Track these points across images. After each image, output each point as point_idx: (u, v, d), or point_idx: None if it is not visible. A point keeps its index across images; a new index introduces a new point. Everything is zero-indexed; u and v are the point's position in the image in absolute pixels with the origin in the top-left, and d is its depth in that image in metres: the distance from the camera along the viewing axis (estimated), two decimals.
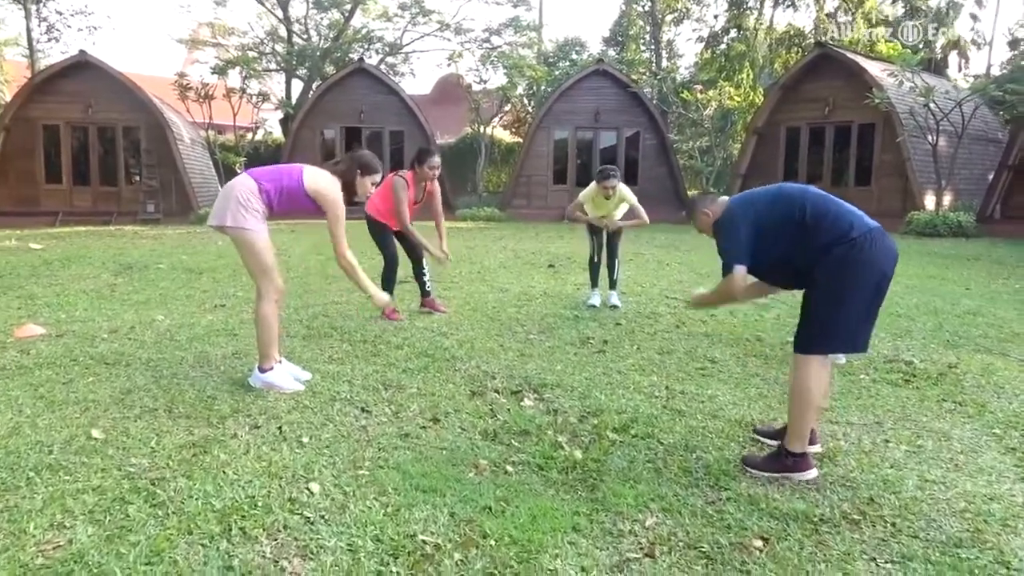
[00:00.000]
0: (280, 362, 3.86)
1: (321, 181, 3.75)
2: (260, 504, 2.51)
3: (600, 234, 6.41)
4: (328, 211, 3.75)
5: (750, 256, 2.91)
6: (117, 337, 4.87)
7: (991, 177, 15.33)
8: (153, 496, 2.54)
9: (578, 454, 3.05)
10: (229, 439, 3.09)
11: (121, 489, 2.59)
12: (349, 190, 3.88)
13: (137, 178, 17.83)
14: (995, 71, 25.86)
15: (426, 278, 5.84)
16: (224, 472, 2.75)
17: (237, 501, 2.52)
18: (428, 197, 5.75)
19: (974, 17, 29.00)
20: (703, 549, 2.32)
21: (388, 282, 5.66)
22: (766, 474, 2.89)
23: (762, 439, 3.23)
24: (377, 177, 4.00)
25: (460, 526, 2.42)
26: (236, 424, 3.28)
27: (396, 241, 5.72)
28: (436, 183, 5.74)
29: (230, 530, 2.33)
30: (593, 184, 6.08)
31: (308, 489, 2.64)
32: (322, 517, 2.44)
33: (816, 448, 3.10)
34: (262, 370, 3.79)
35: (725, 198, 3.14)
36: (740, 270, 2.91)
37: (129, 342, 4.74)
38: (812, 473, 2.88)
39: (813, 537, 2.41)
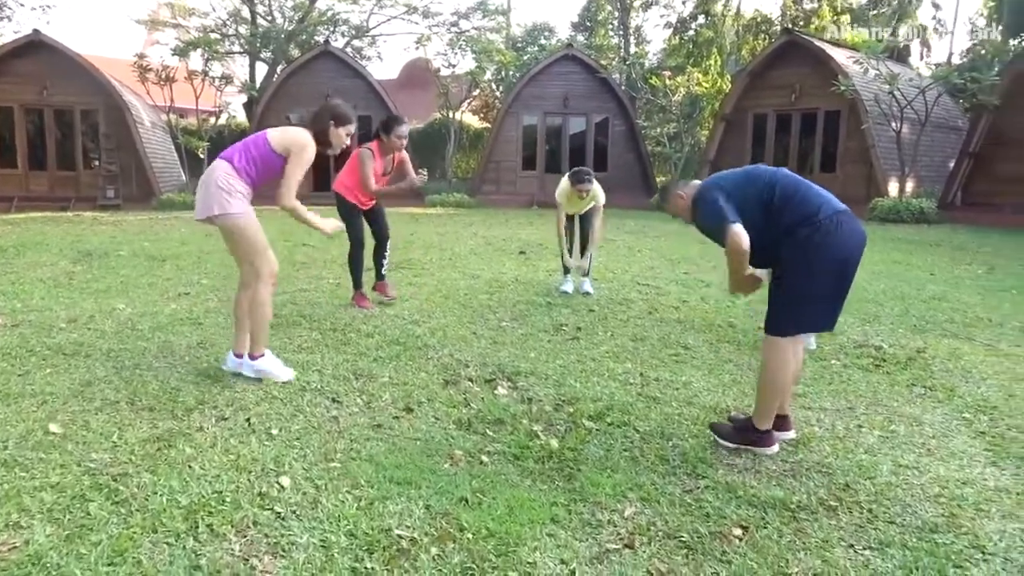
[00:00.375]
0: (241, 355, 3.75)
1: (288, 133, 3.63)
2: (228, 500, 2.42)
3: (572, 220, 6.37)
4: (292, 155, 3.56)
5: (737, 214, 2.83)
6: (76, 327, 4.71)
7: (952, 164, 15.60)
8: (115, 493, 2.44)
9: (554, 443, 3.01)
10: (195, 432, 2.99)
11: (81, 486, 2.49)
12: (322, 141, 3.72)
13: (96, 162, 17.33)
14: (956, 59, 26.33)
15: (385, 262, 5.72)
16: (190, 467, 2.66)
17: (204, 497, 2.43)
18: (398, 167, 5.60)
19: (936, 6, 29.48)
20: (683, 539, 2.30)
21: (356, 263, 5.54)
22: (730, 444, 2.99)
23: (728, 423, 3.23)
24: (352, 128, 3.84)
25: (436, 519, 2.36)
26: (202, 416, 3.17)
27: (364, 223, 5.58)
28: (404, 152, 5.58)
29: (197, 527, 2.25)
30: (567, 181, 6.01)
31: (278, 483, 2.57)
32: (293, 512, 2.37)
33: (791, 434, 3.11)
34: (253, 357, 3.68)
35: (697, 182, 3.14)
36: (735, 227, 2.79)
37: (89, 332, 4.58)
38: (774, 448, 2.97)
39: (791, 524, 2.41)
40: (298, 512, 2.37)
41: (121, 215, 14.34)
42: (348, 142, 3.90)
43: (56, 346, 4.22)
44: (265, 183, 3.69)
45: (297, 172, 3.58)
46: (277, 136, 3.61)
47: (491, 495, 2.53)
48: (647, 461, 2.88)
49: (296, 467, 2.71)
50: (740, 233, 2.80)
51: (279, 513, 2.36)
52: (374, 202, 5.53)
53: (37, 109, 16.84)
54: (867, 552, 2.25)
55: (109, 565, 2.05)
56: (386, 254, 5.70)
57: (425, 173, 5.55)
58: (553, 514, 2.43)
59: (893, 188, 14.74)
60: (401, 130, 5.27)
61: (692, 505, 2.53)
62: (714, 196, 2.92)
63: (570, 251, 6.34)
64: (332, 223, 3.91)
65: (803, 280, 2.81)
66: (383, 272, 5.71)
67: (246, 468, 2.67)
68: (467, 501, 2.49)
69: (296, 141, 3.59)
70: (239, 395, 3.44)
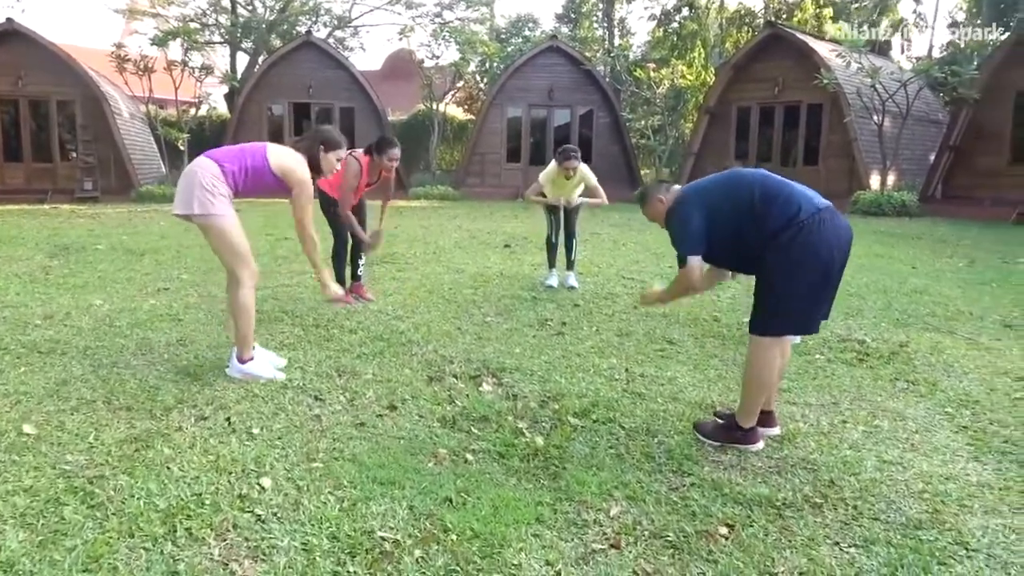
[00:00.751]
0: (254, 348, 3.72)
1: (287, 159, 3.61)
2: (207, 502, 2.38)
3: (557, 213, 6.34)
4: (295, 189, 3.59)
5: (704, 245, 2.91)
6: (52, 323, 4.62)
7: (933, 157, 15.73)
8: (91, 496, 2.38)
9: (539, 440, 2.99)
10: (173, 432, 2.93)
11: (56, 489, 2.43)
12: (313, 167, 3.73)
13: (73, 154, 17.04)
14: (936, 53, 26.54)
15: (362, 262, 5.67)
16: (168, 468, 2.61)
17: (182, 499, 2.38)
18: (383, 182, 5.57)
19: (916, 0, 29.64)
20: (669, 538, 2.28)
21: (338, 259, 5.50)
22: (715, 442, 3.00)
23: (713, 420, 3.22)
24: (342, 152, 3.85)
25: (420, 520, 2.33)
26: (181, 416, 3.12)
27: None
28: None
29: (175, 531, 2.20)
30: (553, 164, 5.97)
31: (259, 484, 2.52)
32: (274, 514, 2.33)
33: (775, 431, 3.11)
34: (241, 360, 3.63)
35: (678, 187, 3.13)
36: (695, 260, 2.92)
37: (65, 329, 4.49)
38: (759, 445, 2.98)
39: (777, 522, 2.40)
40: (279, 514, 2.33)
41: (99, 208, 14.14)
42: (339, 167, 3.94)
43: (31, 343, 4.14)
44: (250, 194, 3.70)
45: (307, 204, 3.64)
46: (276, 157, 3.59)
47: (476, 495, 2.51)
48: (633, 459, 2.86)
49: (277, 467, 2.66)
50: (695, 270, 2.93)
51: (260, 516, 2.31)
52: (356, 200, 5.48)
53: (12, 100, 16.51)
54: (852, 550, 2.25)
55: (84, 571, 2.00)
56: (363, 254, 5.65)
57: (381, 243, 5.82)
58: (538, 514, 2.40)
59: (875, 181, 14.84)
60: (393, 153, 5.24)
61: (678, 503, 2.51)
62: (689, 215, 2.93)
63: (555, 242, 6.32)
64: (334, 290, 3.86)
65: (789, 281, 2.80)
66: (360, 273, 5.65)
67: (226, 469, 2.62)
68: (451, 501, 2.46)
69: (294, 172, 3.59)
70: (219, 394, 3.39)
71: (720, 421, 3.11)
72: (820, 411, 3.42)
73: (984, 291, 6.38)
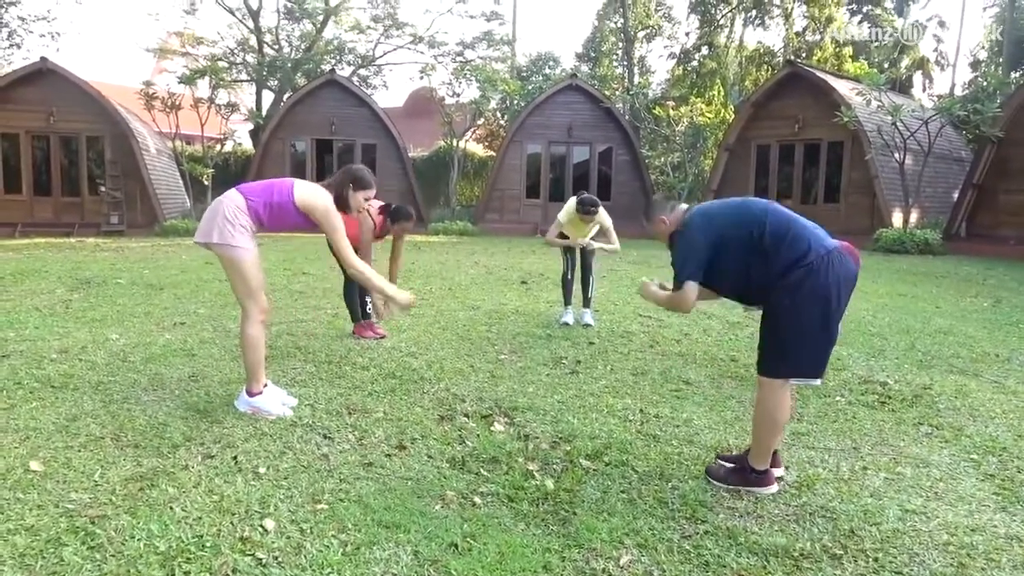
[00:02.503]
0: (266, 385, 3.71)
1: (312, 194, 3.65)
2: (208, 544, 2.33)
3: (573, 251, 6.32)
4: (323, 223, 3.63)
5: (703, 272, 2.89)
6: (67, 358, 4.64)
7: (956, 195, 15.56)
8: (91, 537, 2.35)
9: (550, 484, 2.92)
10: (179, 471, 2.90)
11: (57, 528, 2.40)
12: (341, 204, 3.75)
13: (101, 189, 17.39)
14: (959, 91, 26.46)
15: (370, 300, 5.66)
16: (171, 508, 2.57)
17: (183, 541, 2.34)
18: (393, 241, 5.66)
19: (937, 38, 29.69)
20: None
21: (350, 296, 5.50)
22: (728, 487, 2.92)
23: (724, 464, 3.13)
24: (371, 192, 3.87)
25: (424, 567, 2.27)
26: (188, 454, 3.09)
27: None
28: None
29: (173, 575, 2.15)
30: (572, 204, 5.96)
31: (262, 526, 2.48)
32: (275, 559, 2.28)
33: (779, 471, 3.02)
34: (250, 394, 3.64)
35: (684, 207, 3.08)
36: (691, 287, 2.90)
37: (79, 363, 4.51)
38: (773, 488, 2.91)
39: (794, 574, 2.31)
40: (280, 559, 2.28)
41: (124, 241, 14.35)
42: (365, 206, 3.97)
43: (45, 378, 4.15)
44: (275, 229, 3.74)
45: (338, 237, 3.64)
46: (302, 194, 3.63)
47: (482, 540, 2.44)
48: (645, 504, 2.79)
49: (282, 509, 2.62)
50: (690, 295, 2.91)
51: (260, 560, 2.26)
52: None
53: (43, 136, 16.94)
54: None
55: None
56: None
57: (395, 312, 5.49)
58: (546, 561, 2.33)
59: (897, 219, 14.70)
60: (406, 225, 5.44)
61: (691, 552, 2.43)
62: (694, 240, 2.89)
63: (570, 279, 6.29)
64: (405, 298, 3.77)
65: (796, 323, 2.77)
66: (369, 311, 5.63)
67: (230, 510, 2.58)
68: (457, 547, 2.40)
69: (318, 205, 3.62)
70: (228, 431, 3.36)
71: (729, 465, 3.03)
72: (840, 456, 3.32)
73: (1011, 332, 6.23)
